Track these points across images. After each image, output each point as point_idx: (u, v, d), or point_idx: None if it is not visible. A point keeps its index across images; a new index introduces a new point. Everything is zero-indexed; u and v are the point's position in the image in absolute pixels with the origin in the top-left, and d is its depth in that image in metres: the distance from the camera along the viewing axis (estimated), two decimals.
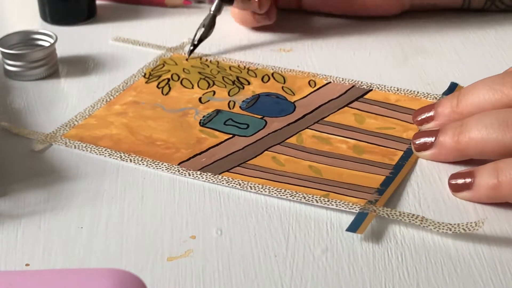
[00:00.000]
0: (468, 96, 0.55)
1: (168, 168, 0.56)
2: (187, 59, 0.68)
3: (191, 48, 0.68)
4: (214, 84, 0.65)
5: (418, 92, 0.63)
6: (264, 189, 0.53)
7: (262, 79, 0.65)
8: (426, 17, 0.73)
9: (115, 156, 0.57)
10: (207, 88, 0.65)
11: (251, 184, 0.54)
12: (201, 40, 0.68)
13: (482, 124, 0.52)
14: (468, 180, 0.52)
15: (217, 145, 0.58)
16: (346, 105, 0.62)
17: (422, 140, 0.56)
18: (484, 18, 0.73)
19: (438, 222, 0.50)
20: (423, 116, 0.58)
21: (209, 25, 0.69)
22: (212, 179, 0.55)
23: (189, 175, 0.55)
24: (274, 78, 0.66)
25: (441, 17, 0.73)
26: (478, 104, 0.54)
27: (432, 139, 0.55)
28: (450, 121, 0.56)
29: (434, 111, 0.57)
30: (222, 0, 0.69)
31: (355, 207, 0.51)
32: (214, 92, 0.64)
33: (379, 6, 0.72)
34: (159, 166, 0.56)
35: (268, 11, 0.70)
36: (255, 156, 0.57)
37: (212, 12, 0.69)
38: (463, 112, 0.55)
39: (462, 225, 0.50)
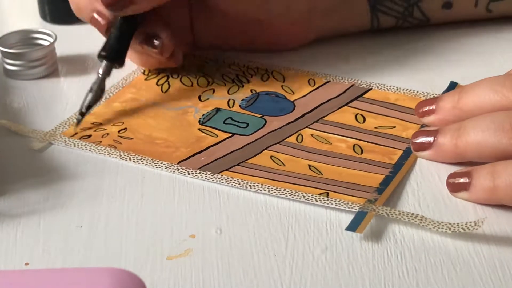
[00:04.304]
0: (469, 93, 0.56)
1: (167, 167, 0.56)
2: (76, 128, 0.59)
3: (79, 117, 0.60)
4: (213, 82, 0.65)
5: (417, 92, 0.63)
6: (263, 188, 0.53)
7: (261, 78, 0.65)
8: None
9: (115, 154, 0.57)
10: (207, 86, 0.65)
11: (250, 183, 0.54)
12: (90, 106, 0.60)
13: (479, 127, 0.53)
14: (465, 180, 0.52)
15: (216, 144, 0.58)
16: (346, 104, 0.62)
17: (421, 139, 0.56)
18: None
19: (438, 222, 0.50)
20: (425, 109, 0.58)
21: (99, 89, 0.60)
22: (211, 178, 0.55)
23: (189, 174, 0.55)
24: (273, 77, 0.66)
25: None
26: (478, 102, 0.55)
27: (430, 139, 0.55)
28: (450, 116, 0.56)
29: (436, 105, 0.57)
30: (111, 62, 0.61)
31: (354, 206, 0.51)
32: (214, 90, 0.64)
33: (281, 41, 0.68)
34: (159, 165, 0.56)
35: (172, 54, 0.63)
36: (255, 155, 0.57)
37: (101, 75, 0.60)
38: (463, 108, 0.56)
39: (462, 225, 0.50)
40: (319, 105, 0.62)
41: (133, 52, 0.64)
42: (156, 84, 0.65)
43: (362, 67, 0.66)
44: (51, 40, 0.67)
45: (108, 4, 0.59)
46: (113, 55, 0.61)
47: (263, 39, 0.67)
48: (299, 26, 0.67)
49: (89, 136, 0.59)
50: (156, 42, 0.61)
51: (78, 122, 0.60)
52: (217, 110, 0.62)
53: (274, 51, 0.68)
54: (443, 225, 0.50)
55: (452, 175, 0.53)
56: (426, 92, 0.63)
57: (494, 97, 0.54)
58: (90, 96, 0.60)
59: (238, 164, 0.56)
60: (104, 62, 0.61)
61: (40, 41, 0.68)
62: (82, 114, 0.60)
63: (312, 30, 0.68)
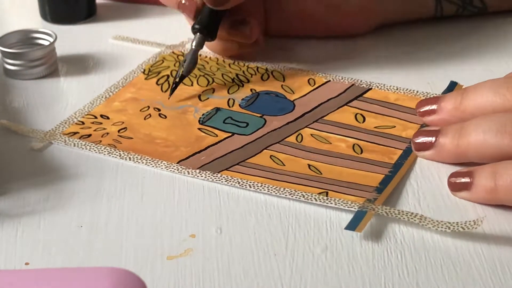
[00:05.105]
0: (471, 95, 0.56)
1: (167, 167, 0.56)
2: (169, 98, 0.63)
3: (173, 86, 0.63)
4: (213, 81, 0.65)
5: (417, 91, 0.63)
6: (263, 188, 0.53)
7: (261, 77, 0.65)
8: None
9: (115, 154, 0.57)
10: (207, 86, 0.65)
11: (250, 182, 0.54)
12: (183, 77, 0.63)
13: (481, 128, 0.52)
14: (466, 180, 0.52)
15: (216, 143, 0.58)
16: (346, 104, 0.62)
17: (422, 139, 0.56)
18: (483, 16, 0.72)
19: (437, 221, 0.50)
20: (426, 108, 0.58)
21: (192, 61, 0.63)
22: (211, 178, 0.55)
23: (189, 173, 0.55)
24: (273, 76, 0.66)
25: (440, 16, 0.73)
26: (480, 105, 0.55)
27: (432, 139, 0.55)
28: (451, 117, 0.56)
29: (437, 105, 0.57)
30: (205, 35, 0.64)
31: (354, 206, 0.52)
32: (214, 90, 0.64)
33: (344, 28, 0.69)
34: (159, 164, 0.56)
35: (256, 40, 0.67)
36: (254, 155, 0.57)
37: (194, 47, 0.63)
38: (465, 110, 0.56)
39: (461, 224, 0.50)
40: (319, 105, 0.62)
41: (216, 40, 0.66)
42: (156, 83, 0.65)
43: (362, 66, 0.66)
44: (51, 40, 0.67)
45: (211, 2, 0.62)
46: (207, 29, 0.64)
47: (335, 24, 0.69)
48: (370, 9, 0.69)
49: (89, 135, 0.59)
50: (244, 27, 0.65)
51: (172, 91, 0.63)
52: (217, 109, 0.62)
53: (342, 37, 0.70)
54: (442, 224, 0.50)
55: (453, 175, 0.53)
56: (426, 92, 0.63)
57: (496, 99, 0.54)
58: (182, 67, 0.63)
59: (238, 164, 0.56)
60: (198, 35, 0.64)
61: (40, 41, 0.68)
62: (176, 84, 0.63)
63: (380, 14, 0.70)
